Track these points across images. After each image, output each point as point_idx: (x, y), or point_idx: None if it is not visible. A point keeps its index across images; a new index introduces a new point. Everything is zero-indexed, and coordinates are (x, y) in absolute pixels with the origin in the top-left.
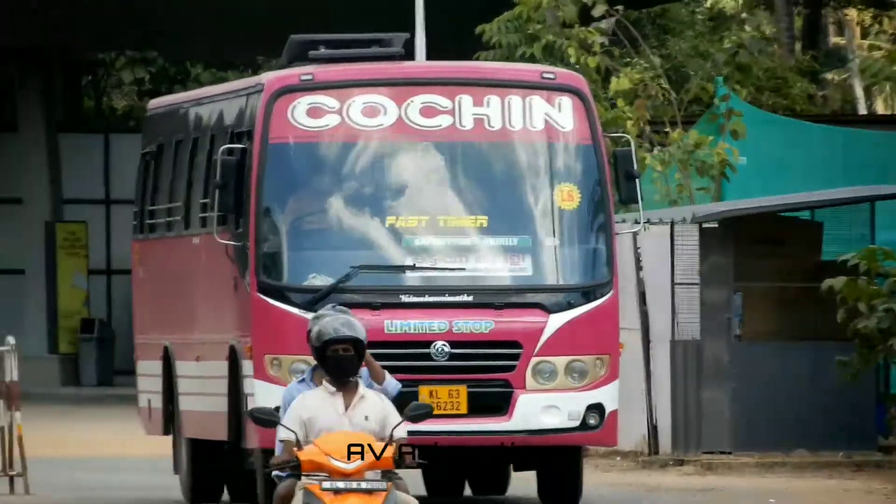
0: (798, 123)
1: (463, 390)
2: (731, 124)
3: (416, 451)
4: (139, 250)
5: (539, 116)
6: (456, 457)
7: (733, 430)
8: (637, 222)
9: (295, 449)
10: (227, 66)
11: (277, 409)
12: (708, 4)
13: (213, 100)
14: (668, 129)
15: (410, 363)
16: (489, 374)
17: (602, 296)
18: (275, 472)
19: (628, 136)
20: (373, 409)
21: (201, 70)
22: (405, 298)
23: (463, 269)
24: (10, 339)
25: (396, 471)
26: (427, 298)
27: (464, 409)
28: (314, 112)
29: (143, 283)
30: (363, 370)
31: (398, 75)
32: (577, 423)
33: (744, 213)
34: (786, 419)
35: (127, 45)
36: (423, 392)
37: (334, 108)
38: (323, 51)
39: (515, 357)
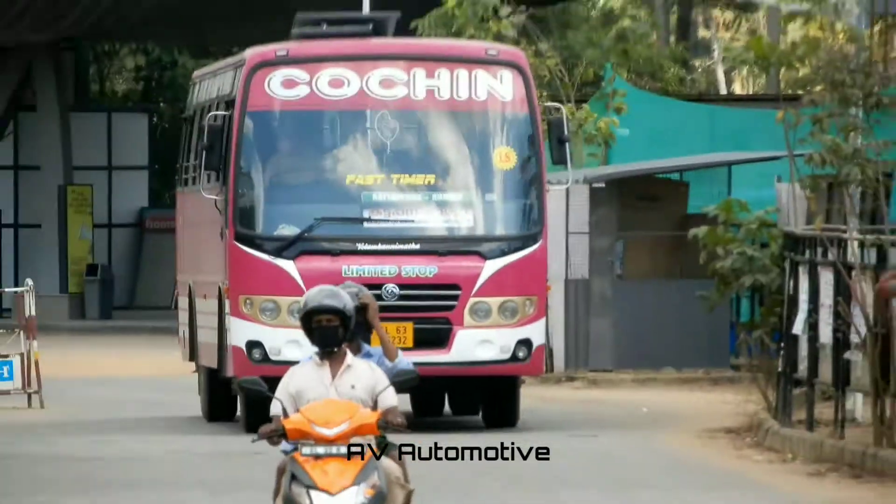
0: (671, 101)
1: (409, 327)
2: (615, 102)
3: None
4: (179, 201)
5: (483, 88)
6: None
7: (615, 353)
8: (566, 182)
9: (281, 418)
10: (207, 53)
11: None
12: (601, 3)
13: (219, 72)
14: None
15: None
16: (432, 312)
17: (532, 244)
18: (281, 447)
19: (561, 106)
20: (360, 378)
21: (188, 58)
22: (361, 247)
23: (412, 221)
24: (29, 282)
25: (387, 436)
26: (379, 247)
27: (410, 344)
28: (288, 83)
29: (181, 229)
30: (376, 349)
31: (361, 51)
32: (508, 356)
33: (626, 175)
34: (658, 343)
35: (118, 36)
36: None
37: (305, 80)
38: (302, 29)
39: (455, 298)
